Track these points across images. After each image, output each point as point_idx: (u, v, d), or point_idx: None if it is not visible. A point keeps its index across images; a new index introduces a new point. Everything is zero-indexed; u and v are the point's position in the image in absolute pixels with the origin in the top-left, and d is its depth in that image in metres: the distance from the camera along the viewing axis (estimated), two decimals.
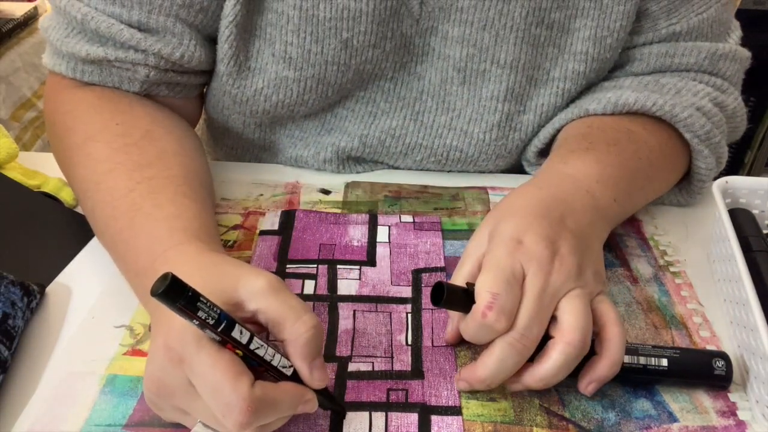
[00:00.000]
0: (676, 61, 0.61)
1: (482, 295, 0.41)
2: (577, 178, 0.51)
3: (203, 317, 0.35)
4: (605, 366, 0.43)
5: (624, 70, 0.64)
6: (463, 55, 0.60)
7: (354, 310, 0.51)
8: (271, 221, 0.60)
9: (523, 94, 0.62)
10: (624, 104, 0.58)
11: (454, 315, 0.47)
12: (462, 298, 0.43)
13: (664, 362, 0.45)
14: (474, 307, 0.42)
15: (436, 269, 0.55)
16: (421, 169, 0.67)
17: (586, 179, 0.51)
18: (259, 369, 0.39)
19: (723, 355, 0.45)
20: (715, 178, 0.57)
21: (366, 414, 0.43)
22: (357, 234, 0.59)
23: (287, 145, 0.67)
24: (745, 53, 0.65)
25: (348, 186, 0.65)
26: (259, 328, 0.41)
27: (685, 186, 0.63)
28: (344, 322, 0.50)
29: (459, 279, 0.46)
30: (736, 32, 0.65)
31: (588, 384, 0.44)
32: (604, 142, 0.56)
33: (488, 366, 0.42)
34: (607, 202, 0.51)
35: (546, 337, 0.43)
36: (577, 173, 0.52)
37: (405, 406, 0.44)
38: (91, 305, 0.51)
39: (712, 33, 0.62)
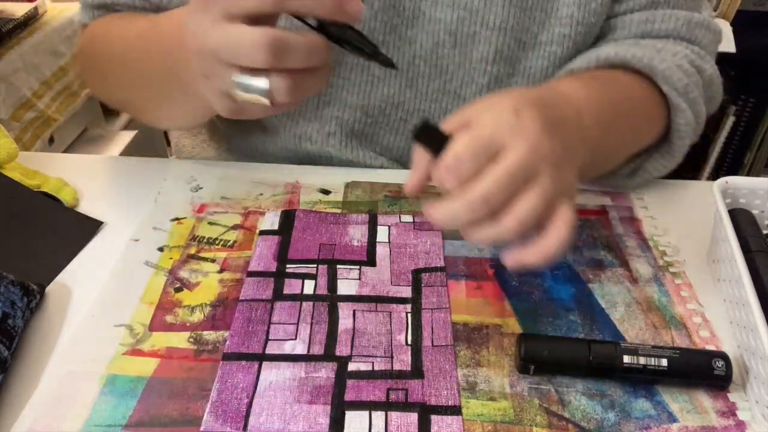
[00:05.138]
0: (656, 27, 0.63)
1: (449, 155, 0.40)
2: (568, 94, 0.50)
3: None
4: (548, 240, 0.41)
5: (607, 38, 0.65)
6: (453, 18, 0.61)
7: (354, 310, 0.51)
8: (270, 221, 0.60)
9: (512, 57, 0.63)
10: (605, 58, 0.60)
11: (418, 162, 0.45)
12: (437, 142, 0.41)
13: (664, 362, 0.45)
14: (438, 162, 0.41)
15: (436, 269, 0.55)
16: None
17: (576, 98, 0.50)
18: None
19: (723, 356, 0.45)
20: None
21: (366, 414, 0.43)
22: (357, 234, 0.59)
23: (288, 123, 0.67)
24: (718, 26, 0.66)
25: (348, 186, 0.65)
26: None
27: (666, 147, 0.63)
28: (344, 322, 0.50)
29: (452, 121, 0.43)
30: (708, 10, 0.67)
31: (517, 258, 0.42)
32: (589, 77, 0.58)
33: (441, 211, 0.41)
34: (590, 123, 0.50)
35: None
36: (569, 91, 0.51)
37: (405, 406, 0.44)
38: (91, 304, 0.51)
39: (686, 4, 0.64)
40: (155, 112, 0.62)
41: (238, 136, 0.71)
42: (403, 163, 0.69)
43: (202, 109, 0.56)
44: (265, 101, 0.41)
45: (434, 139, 0.42)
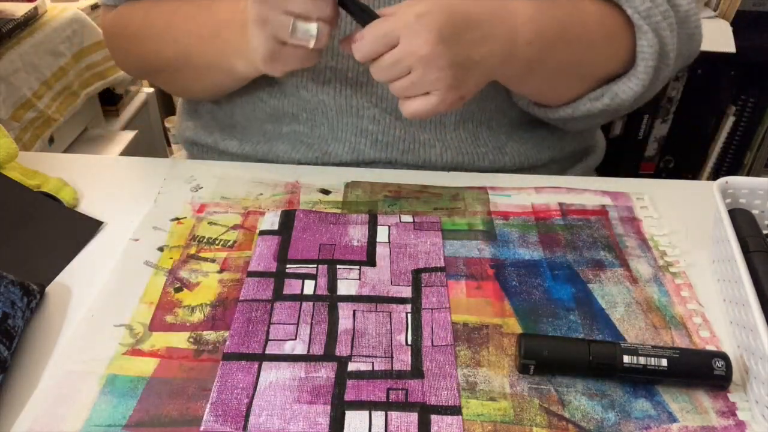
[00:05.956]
0: None
1: (358, 34, 0.53)
2: (510, 12, 0.56)
3: None
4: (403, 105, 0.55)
5: None
6: None
7: (354, 310, 0.51)
8: (270, 221, 0.60)
9: None
10: None
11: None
12: (357, 12, 0.55)
13: (664, 362, 0.45)
14: (353, 35, 0.54)
15: (436, 269, 0.55)
16: None
17: (516, 17, 0.56)
18: None
19: (723, 356, 0.45)
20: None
21: (366, 413, 0.43)
22: (357, 234, 0.59)
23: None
24: None
25: (348, 186, 0.65)
26: None
27: (632, 71, 0.64)
28: (344, 322, 0.50)
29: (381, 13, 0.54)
30: None
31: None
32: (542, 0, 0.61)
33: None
34: (525, 40, 0.56)
35: None
36: (514, 9, 0.57)
37: (405, 406, 0.44)
38: (91, 304, 0.51)
39: None
40: (188, 83, 0.73)
41: (238, 103, 0.72)
42: (396, 114, 0.68)
43: (233, 80, 0.68)
44: (311, 43, 0.54)
45: (354, 7, 0.55)
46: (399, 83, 0.54)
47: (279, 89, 0.69)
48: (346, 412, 0.44)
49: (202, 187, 0.65)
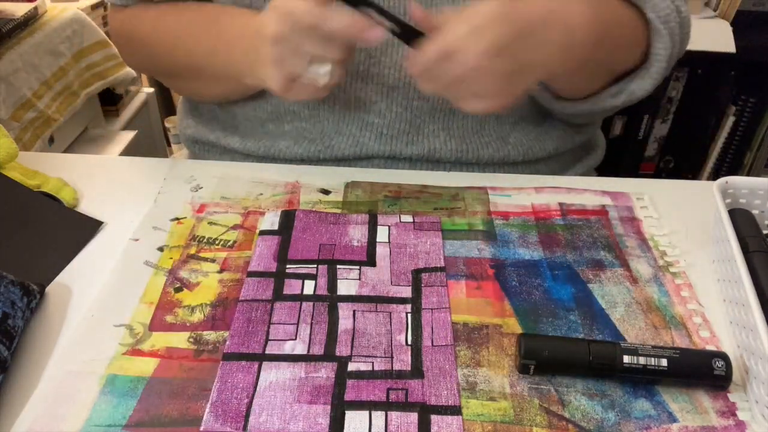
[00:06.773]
0: None
1: (418, 57, 0.54)
2: (570, 15, 0.58)
3: None
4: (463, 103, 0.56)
5: None
6: None
7: (354, 310, 0.51)
8: (270, 221, 0.60)
9: None
10: None
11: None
12: (411, 35, 0.55)
13: (664, 362, 0.45)
14: (415, 56, 0.54)
15: (436, 269, 0.55)
16: None
17: (574, 18, 0.58)
18: None
19: (723, 356, 0.45)
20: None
21: (366, 413, 0.43)
22: (357, 234, 0.59)
23: None
24: None
25: (348, 186, 0.65)
26: None
27: (644, 72, 0.67)
28: (344, 322, 0.50)
29: (428, 18, 0.55)
30: None
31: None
32: None
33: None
34: (580, 40, 0.58)
35: None
36: (575, 11, 0.58)
37: (405, 406, 0.44)
38: (91, 304, 0.51)
39: None
40: (199, 90, 0.75)
41: (240, 103, 0.72)
42: (403, 106, 0.68)
43: (244, 90, 0.70)
44: (321, 82, 0.57)
45: (410, 34, 0.55)
46: (450, 93, 0.56)
47: None
48: (346, 412, 0.44)
49: (202, 187, 0.65)
